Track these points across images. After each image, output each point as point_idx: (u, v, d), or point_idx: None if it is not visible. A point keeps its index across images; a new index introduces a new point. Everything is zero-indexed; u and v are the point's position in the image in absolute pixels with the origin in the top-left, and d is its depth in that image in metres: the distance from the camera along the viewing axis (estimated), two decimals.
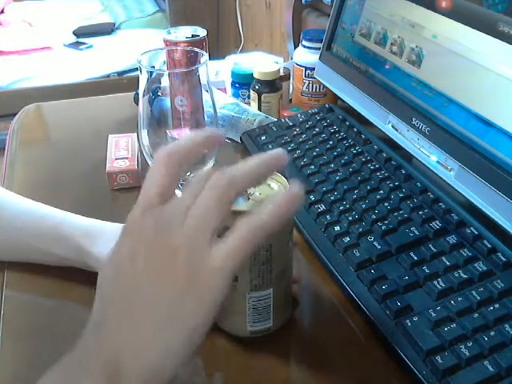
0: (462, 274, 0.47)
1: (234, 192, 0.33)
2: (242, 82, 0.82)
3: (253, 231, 0.32)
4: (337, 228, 0.54)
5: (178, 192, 0.36)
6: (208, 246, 0.31)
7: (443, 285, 0.46)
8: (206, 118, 0.55)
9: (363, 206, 0.56)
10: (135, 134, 0.78)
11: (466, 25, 0.55)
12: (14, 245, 0.54)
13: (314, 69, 0.81)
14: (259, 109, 0.80)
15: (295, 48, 0.85)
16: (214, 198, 0.32)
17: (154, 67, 0.55)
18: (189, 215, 0.32)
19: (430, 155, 0.59)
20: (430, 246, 0.50)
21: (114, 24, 2.65)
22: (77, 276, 0.53)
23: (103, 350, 0.31)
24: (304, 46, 0.82)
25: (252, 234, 0.32)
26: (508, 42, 0.50)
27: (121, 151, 0.71)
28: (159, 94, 0.84)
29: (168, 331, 0.31)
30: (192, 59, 0.58)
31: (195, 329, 0.31)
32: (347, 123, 0.71)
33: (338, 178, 0.61)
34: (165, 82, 0.86)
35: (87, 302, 0.50)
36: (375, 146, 0.65)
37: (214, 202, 0.32)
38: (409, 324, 0.44)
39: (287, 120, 0.75)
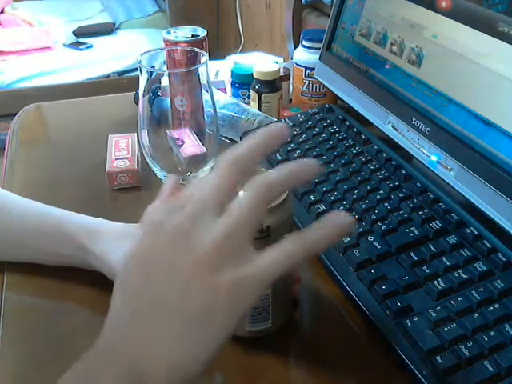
0: (462, 274, 0.47)
1: (270, 197, 0.32)
2: (242, 82, 0.82)
3: (302, 250, 0.31)
4: None
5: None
6: (251, 253, 0.30)
7: (443, 285, 0.46)
8: (206, 118, 0.55)
9: (363, 206, 0.56)
10: (135, 133, 0.78)
11: (465, 25, 0.55)
12: (16, 245, 0.53)
13: (313, 69, 0.81)
14: (259, 109, 0.80)
15: (295, 48, 0.85)
16: (254, 201, 0.31)
17: (153, 67, 0.55)
18: (226, 220, 0.30)
19: (429, 155, 0.59)
20: (429, 246, 0.50)
21: (114, 24, 2.65)
22: (77, 276, 0.53)
23: (128, 351, 0.30)
24: (304, 46, 0.82)
25: (301, 252, 0.31)
26: (508, 42, 0.50)
27: (121, 151, 0.71)
28: (159, 94, 0.84)
29: (197, 336, 0.30)
30: (192, 59, 0.58)
31: (223, 335, 0.30)
32: (347, 123, 0.71)
33: (338, 177, 0.61)
34: (165, 81, 0.86)
35: (87, 302, 0.51)
36: (375, 146, 0.65)
37: (256, 204, 0.31)
38: (409, 324, 0.44)
39: (287, 120, 0.75)
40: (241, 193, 0.32)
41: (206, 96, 0.54)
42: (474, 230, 0.51)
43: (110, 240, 0.50)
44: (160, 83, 0.86)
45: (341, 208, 0.56)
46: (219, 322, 0.30)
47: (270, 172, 0.32)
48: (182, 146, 0.53)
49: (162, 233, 0.31)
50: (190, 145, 0.53)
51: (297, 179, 0.33)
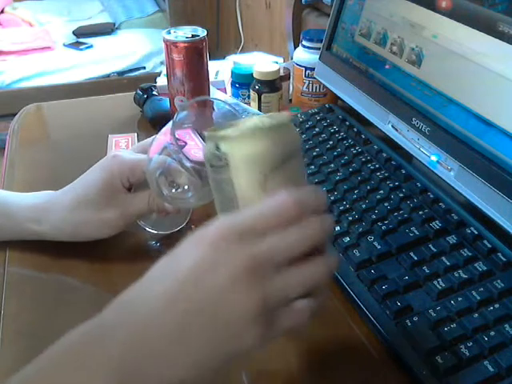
0: (462, 274, 0.47)
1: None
2: (242, 82, 0.82)
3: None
4: (337, 228, 0.54)
5: None
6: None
7: (443, 285, 0.46)
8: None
9: (363, 206, 0.56)
10: (135, 133, 0.78)
11: (466, 25, 0.55)
12: None
13: (313, 69, 0.81)
14: (259, 109, 0.80)
15: (295, 48, 0.85)
16: (322, 280, 0.34)
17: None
18: (292, 277, 0.32)
19: (429, 155, 0.59)
20: (430, 246, 0.50)
21: (114, 24, 2.65)
22: (78, 276, 0.53)
23: (140, 345, 0.30)
24: (304, 46, 0.82)
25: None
26: (508, 42, 0.50)
27: None
28: (154, 93, 0.84)
29: (225, 355, 0.31)
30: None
31: (237, 355, 0.32)
32: (347, 123, 0.71)
33: (338, 177, 0.61)
34: (161, 81, 0.86)
35: (89, 301, 0.51)
36: (375, 146, 0.65)
37: (318, 281, 0.34)
38: (409, 324, 0.44)
39: None
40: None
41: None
42: (474, 230, 0.51)
43: (64, 212, 0.53)
44: (155, 82, 0.87)
45: (341, 208, 0.56)
46: (238, 347, 0.31)
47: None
48: (184, 147, 0.53)
49: (241, 251, 0.31)
50: (194, 146, 0.53)
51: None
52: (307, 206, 0.33)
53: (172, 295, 0.31)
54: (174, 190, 0.49)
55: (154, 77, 0.97)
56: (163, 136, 0.48)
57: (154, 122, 0.80)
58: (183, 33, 0.71)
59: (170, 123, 0.45)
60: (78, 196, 0.53)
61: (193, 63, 0.70)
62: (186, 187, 0.48)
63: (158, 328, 0.31)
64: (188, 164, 0.44)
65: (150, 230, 0.57)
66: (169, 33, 0.71)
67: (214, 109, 0.49)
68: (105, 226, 0.53)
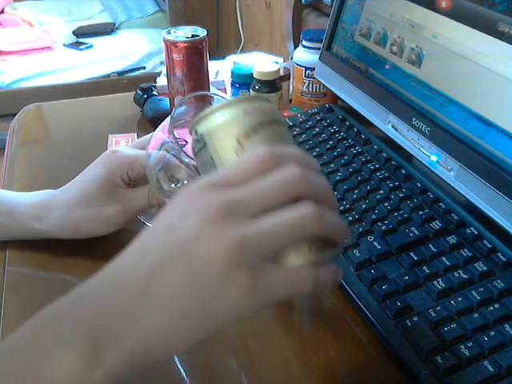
0: (462, 274, 0.47)
1: (317, 233, 0.30)
2: (242, 82, 0.82)
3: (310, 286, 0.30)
4: None
5: None
6: (267, 259, 0.29)
7: (443, 285, 0.46)
8: None
9: (363, 206, 0.56)
10: (135, 133, 0.78)
11: (466, 25, 0.55)
12: None
13: (313, 69, 0.81)
14: None
15: (295, 48, 0.85)
16: (301, 225, 0.30)
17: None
18: (267, 221, 0.29)
19: (430, 155, 0.59)
20: (430, 246, 0.50)
21: (114, 24, 2.65)
22: (79, 274, 0.53)
23: (107, 311, 0.29)
24: (304, 46, 0.82)
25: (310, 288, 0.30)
26: (508, 42, 0.50)
27: None
28: (154, 93, 0.84)
29: (191, 311, 0.29)
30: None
31: (219, 317, 0.29)
32: (347, 123, 0.71)
33: (337, 177, 0.61)
34: (161, 81, 0.86)
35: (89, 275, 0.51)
36: (375, 146, 0.65)
37: (299, 229, 0.30)
38: (409, 324, 0.44)
39: (287, 120, 0.75)
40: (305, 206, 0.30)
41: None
42: (474, 230, 0.51)
43: (65, 209, 0.53)
44: (155, 82, 0.87)
45: (341, 208, 0.56)
46: (217, 305, 0.29)
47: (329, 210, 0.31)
48: (184, 146, 0.53)
49: (211, 197, 0.30)
50: None
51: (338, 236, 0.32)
52: (287, 157, 0.31)
53: (143, 248, 0.30)
54: (173, 185, 0.49)
55: (154, 77, 0.97)
56: (161, 132, 0.48)
57: (154, 122, 0.80)
58: (183, 33, 0.71)
59: (169, 118, 0.45)
60: (78, 192, 0.53)
61: (193, 63, 0.70)
62: (185, 182, 0.48)
63: (129, 282, 0.29)
64: (187, 159, 0.44)
65: (151, 225, 0.57)
66: (169, 33, 0.71)
67: (212, 104, 0.49)
68: (106, 222, 0.53)
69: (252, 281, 0.28)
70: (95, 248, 0.54)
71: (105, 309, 0.29)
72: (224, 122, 0.34)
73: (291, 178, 0.30)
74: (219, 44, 2.47)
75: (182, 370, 0.44)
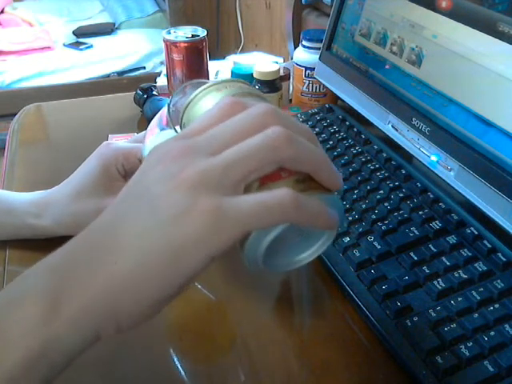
0: (462, 274, 0.47)
1: (287, 156, 0.28)
2: None
3: (287, 209, 0.27)
4: None
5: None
6: (231, 190, 0.27)
7: (443, 285, 0.46)
8: None
9: (363, 206, 0.56)
10: (135, 133, 0.78)
11: (466, 25, 0.55)
12: None
13: (314, 69, 0.81)
14: None
15: (295, 48, 0.85)
16: (267, 147, 0.28)
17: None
18: (228, 151, 0.28)
19: (430, 155, 0.59)
20: (430, 246, 0.50)
21: (114, 24, 2.65)
22: None
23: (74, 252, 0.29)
24: (304, 46, 0.82)
25: (285, 211, 0.27)
26: (508, 42, 0.50)
27: None
28: (154, 93, 0.84)
29: (168, 244, 0.27)
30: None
31: (195, 259, 0.27)
32: (347, 123, 0.71)
33: None
34: (161, 81, 0.86)
35: None
36: (375, 146, 0.65)
37: (265, 151, 0.28)
38: (409, 324, 0.44)
39: None
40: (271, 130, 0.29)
41: None
42: (474, 230, 0.51)
43: (63, 204, 0.53)
44: (155, 82, 0.87)
45: None
46: (193, 237, 0.26)
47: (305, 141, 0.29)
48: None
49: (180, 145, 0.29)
50: None
51: (318, 172, 0.30)
52: (252, 104, 0.30)
53: (114, 202, 0.30)
54: None
55: (154, 77, 0.97)
56: (157, 122, 0.48)
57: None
58: (183, 33, 0.71)
59: (165, 107, 0.45)
60: (75, 187, 0.54)
61: (193, 63, 0.70)
62: None
63: (94, 230, 0.29)
64: None
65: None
66: (169, 33, 0.71)
67: None
68: None
69: (215, 206, 0.26)
70: None
71: (69, 257, 0.29)
72: (200, 99, 0.35)
73: (257, 113, 0.29)
74: (219, 44, 2.47)
75: (182, 370, 0.45)
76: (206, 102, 0.35)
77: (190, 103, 0.36)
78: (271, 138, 0.28)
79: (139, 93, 0.85)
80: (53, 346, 0.27)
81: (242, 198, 0.27)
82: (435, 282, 0.47)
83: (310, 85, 0.82)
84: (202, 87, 0.35)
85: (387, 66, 0.67)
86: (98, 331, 0.27)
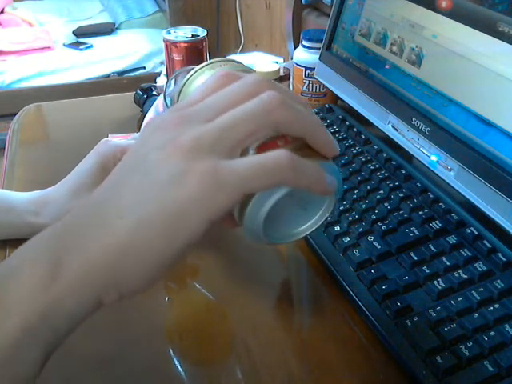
0: (462, 274, 0.47)
1: (283, 119, 0.28)
2: None
3: (284, 169, 0.27)
4: (337, 228, 0.54)
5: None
6: (227, 154, 0.28)
7: (443, 285, 0.46)
8: None
9: (363, 206, 0.56)
10: (135, 134, 0.78)
11: (466, 25, 0.55)
12: None
13: (314, 69, 0.80)
14: None
15: (295, 48, 0.85)
16: (262, 110, 0.28)
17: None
18: (223, 116, 0.28)
19: (429, 155, 0.59)
20: (430, 246, 0.50)
21: (114, 24, 2.65)
22: None
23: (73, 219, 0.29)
24: (304, 46, 0.82)
25: (282, 171, 0.27)
26: (508, 42, 0.50)
27: None
28: (154, 93, 0.84)
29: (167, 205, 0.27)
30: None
31: (195, 222, 0.27)
32: (347, 123, 0.71)
33: None
34: (161, 81, 0.86)
35: None
36: (375, 146, 0.65)
37: (260, 114, 0.28)
38: (409, 324, 0.44)
39: None
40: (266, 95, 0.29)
41: None
42: (474, 230, 0.51)
43: (62, 202, 0.54)
44: (155, 82, 0.87)
45: (341, 208, 0.56)
46: (168, 205, 0.27)
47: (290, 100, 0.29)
48: None
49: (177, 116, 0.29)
50: None
51: (312, 137, 0.30)
52: (245, 75, 0.31)
53: (113, 172, 0.30)
54: None
55: (154, 77, 0.97)
56: (153, 113, 0.48)
57: None
58: (183, 33, 0.71)
59: (160, 97, 0.45)
60: (74, 184, 0.54)
61: (193, 63, 0.70)
62: None
63: (95, 197, 0.29)
64: None
65: None
66: (169, 33, 0.71)
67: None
68: None
69: (212, 168, 0.27)
70: None
71: (69, 223, 0.29)
72: (195, 79, 0.36)
73: (251, 81, 0.30)
74: (219, 44, 2.47)
75: (182, 370, 0.45)
76: (200, 80, 0.36)
77: (185, 84, 0.36)
78: (266, 101, 0.28)
79: (139, 93, 0.85)
80: (54, 310, 0.27)
81: (238, 160, 0.28)
82: (435, 282, 0.47)
83: (310, 85, 0.82)
84: (197, 67, 0.36)
85: (387, 66, 0.67)
86: (100, 296, 0.27)
